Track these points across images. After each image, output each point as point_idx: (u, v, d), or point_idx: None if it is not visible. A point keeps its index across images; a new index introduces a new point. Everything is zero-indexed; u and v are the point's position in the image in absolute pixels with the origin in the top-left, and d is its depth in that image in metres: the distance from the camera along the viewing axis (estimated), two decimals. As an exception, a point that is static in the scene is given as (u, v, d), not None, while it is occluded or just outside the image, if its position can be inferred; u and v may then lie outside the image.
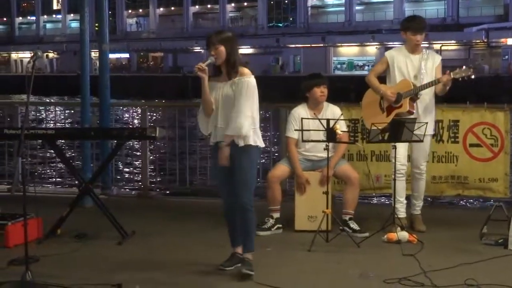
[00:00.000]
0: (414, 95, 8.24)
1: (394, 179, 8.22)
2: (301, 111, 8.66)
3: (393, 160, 8.29)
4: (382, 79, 8.58)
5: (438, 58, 8.58)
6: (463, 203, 10.67)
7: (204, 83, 6.67)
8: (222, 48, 6.67)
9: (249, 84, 6.67)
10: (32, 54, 6.85)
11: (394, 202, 8.28)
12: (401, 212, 8.51)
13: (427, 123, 8.20)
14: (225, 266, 6.99)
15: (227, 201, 6.97)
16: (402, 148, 8.29)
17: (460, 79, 8.10)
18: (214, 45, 6.69)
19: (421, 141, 8.07)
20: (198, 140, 12.16)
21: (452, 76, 8.07)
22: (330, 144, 8.16)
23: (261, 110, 7.07)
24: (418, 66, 8.36)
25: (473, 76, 8.06)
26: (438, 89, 8.27)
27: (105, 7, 10.82)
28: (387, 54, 8.68)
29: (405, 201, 8.65)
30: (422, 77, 8.29)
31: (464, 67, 8.17)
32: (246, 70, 6.73)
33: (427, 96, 8.38)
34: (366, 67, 70.55)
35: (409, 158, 8.66)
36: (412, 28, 8.41)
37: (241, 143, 6.69)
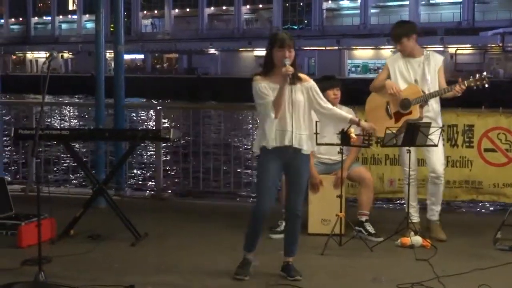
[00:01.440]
0: (423, 102, 8.18)
1: (409, 184, 8.20)
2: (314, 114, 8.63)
3: (405, 165, 8.29)
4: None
5: (439, 59, 8.46)
6: (477, 208, 10.62)
7: (284, 86, 6.54)
8: (294, 53, 6.65)
9: None
10: (48, 54, 6.87)
11: (408, 207, 8.25)
12: (415, 216, 8.48)
13: (442, 127, 8.16)
14: (241, 274, 6.86)
15: (266, 207, 6.71)
16: (412, 153, 8.22)
17: (475, 87, 8.02)
18: (290, 47, 6.59)
19: (436, 145, 8.03)
20: (212, 145, 12.19)
21: (466, 85, 7.98)
22: (344, 148, 8.15)
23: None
24: (420, 69, 8.29)
25: (487, 85, 7.96)
26: (448, 95, 8.20)
27: (120, 8, 10.81)
28: (387, 61, 8.65)
29: (417, 206, 8.63)
30: (428, 81, 8.22)
31: (477, 75, 8.05)
32: (303, 75, 6.78)
33: (432, 99, 8.32)
34: (381, 70, 70.38)
35: (423, 162, 8.62)
36: (391, 38, 8.47)
37: (309, 150, 6.78)
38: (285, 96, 6.55)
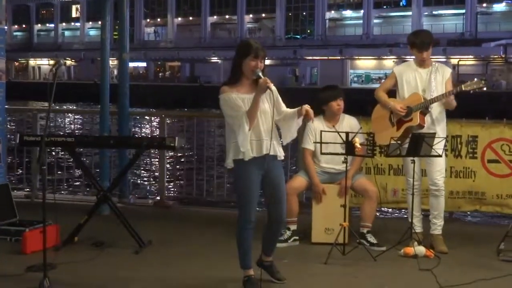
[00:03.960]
0: (424, 109, 8.20)
1: (413, 194, 8.22)
2: (318, 123, 8.64)
3: (409, 175, 8.32)
4: (392, 93, 8.55)
5: (448, 71, 8.46)
6: (481, 219, 10.62)
7: (260, 97, 6.47)
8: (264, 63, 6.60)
9: None
10: (54, 62, 6.88)
11: (412, 217, 8.26)
12: (418, 226, 8.48)
13: (446, 137, 8.19)
14: None
15: (254, 217, 6.64)
16: (417, 163, 8.22)
17: (472, 91, 8.04)
18: (262, 58, 6.53)
19: (440, 155, 8.04)
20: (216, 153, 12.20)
21: (463, 89, 7.99)
22: (348, 157, 8.16)
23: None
24: (427, 79, 8.29)
25: (485, 88, 7.99)
26: (444, 103, 8.23)
27: (126, 16, 10.80)
28: (395, 69, 8.62)
29: (421, 216, 8.63)
30: (432, 91, 8.21)
31: (475, 79, 8.08)
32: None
33: (436, 108, 8.33)
34: (383, 81, 70.32)
35: (425, 172, 8.63)
36: (416, 46, 8.30)
37: (282, 156, 6.73)
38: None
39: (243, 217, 6.64)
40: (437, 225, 8.44)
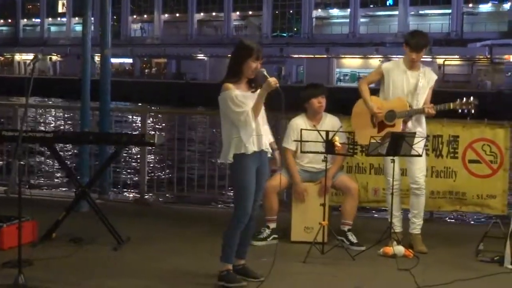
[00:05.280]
0: (408, 117, 8.19)
1: (392, 194, 8.20)
2: (300, 121, 8.61)
3: (388, 175, 8.30)
4: (376, 91, 8.53)
5: (433, 79, 8.45)
6: (461, 219, 10.62)
7: (265, 95, 6.65)
8: None
9: None
10: (33, 56, 6.86)
11: (391, 217, 8.24)
12: (397, 226, 8.47)
13: (426, 137, 8.17)
14: (239, 281, 6.84)
15: (248, 214, 6.77)
16: (396, 163, 8.21)
17: (460, 111, 8.05)
18: (262, 58, 6.78)
19: (420, 155, 8.03)
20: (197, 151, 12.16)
21: (451, 107, 8.01)
22: (329, 156, 8.13)
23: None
24: (414, 83, 8.27)
25: (473, 111, 8.01)
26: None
27: (108, 12, 10.80)
28: (383, 66, 8.58)
29: (400, 216, 8.61)
30: (418, 96, 8.21)
31: (464, 99, 8.06)
32: None
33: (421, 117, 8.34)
34: (369, 72, 70.37)
35: (406, 172, 8.61)
36: (409, 45, 8.27)
37: (270, 152, 6.89)
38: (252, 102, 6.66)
39: (242, 210, 6.74)
40: (416, 224, 8.44)
